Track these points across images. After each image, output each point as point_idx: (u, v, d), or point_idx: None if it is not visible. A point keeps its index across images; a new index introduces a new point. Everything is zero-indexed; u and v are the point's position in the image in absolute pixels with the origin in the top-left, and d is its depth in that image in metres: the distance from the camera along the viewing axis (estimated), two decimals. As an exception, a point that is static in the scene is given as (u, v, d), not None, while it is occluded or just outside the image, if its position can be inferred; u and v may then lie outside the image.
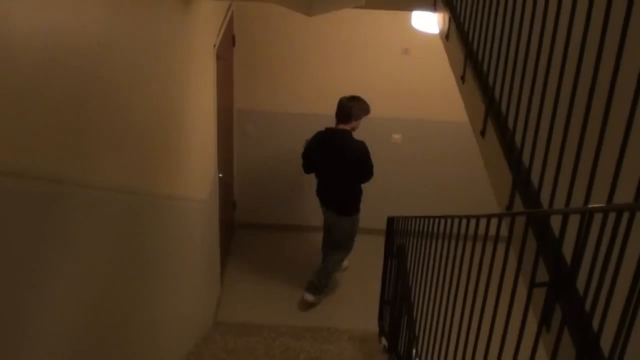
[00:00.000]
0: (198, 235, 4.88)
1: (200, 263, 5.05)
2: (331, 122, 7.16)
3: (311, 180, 7.52)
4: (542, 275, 2.05)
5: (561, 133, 2.09)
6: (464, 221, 3.36)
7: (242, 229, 7.72)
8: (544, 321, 2.05)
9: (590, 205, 1.81)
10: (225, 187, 6.59)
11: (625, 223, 1.52)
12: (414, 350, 4.70)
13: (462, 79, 3.68)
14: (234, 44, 6.78)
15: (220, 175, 5.87)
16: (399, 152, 7.49)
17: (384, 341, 5.76)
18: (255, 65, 7.01)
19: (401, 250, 5.44)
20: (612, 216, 1.60)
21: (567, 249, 1.97)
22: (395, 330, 5.30)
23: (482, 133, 3.12)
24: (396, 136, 7.41)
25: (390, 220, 5.73)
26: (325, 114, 7.17)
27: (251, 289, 6.81)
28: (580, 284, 1.84)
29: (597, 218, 1.70)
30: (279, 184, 7.62)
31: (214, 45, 5.20)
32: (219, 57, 5.42)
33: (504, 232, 2.47)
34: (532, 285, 1.99)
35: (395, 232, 5.71)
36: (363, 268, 7.20)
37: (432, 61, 6.91)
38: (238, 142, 7.34)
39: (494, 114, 2.95)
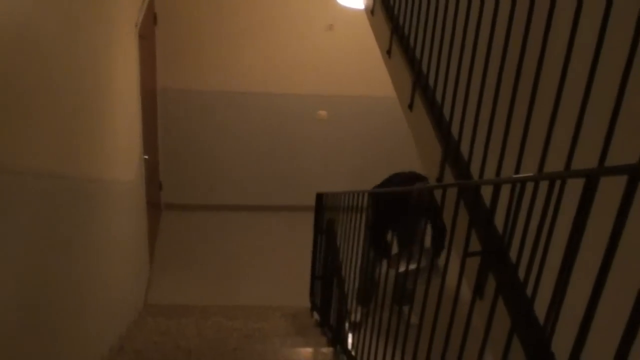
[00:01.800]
0: (125, 217, 4.79)
1: (128, 245, 4.97)
2: (259, 100, 7.14)
3: (237, 158, 7.48)
4: (475, 246, 2.09)
5: (490, 104, 2.11)
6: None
7: (170, 210, 7.62)
8: (477, 290, 2.09)
9: (520, 175, 1.84)
10: (151, 168, 6.48)
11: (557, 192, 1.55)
12: (346, 323, 4.74)
13: (388, 53, 3.69)
14: (155, 22, 6.64)
15: (146, 156, 5.78)
16: (325, 128, 7.50)
17: (316, 315, 5.79)
18: (178, 43, 6.89)
19: (330, 225, 5.46)
20: (543, 185, 1.63)
21: (499, 220, 2.00)
22: (326, 304, 5.34)
23: (410, 106, 3.14)
24: (322, 112, 7.42)
25: (319, 197, 5.74)
26: (251, 92, 7.13)
27: (181, 270, 6.74)
28: (514, 253, 1.87)
29: (529, 188, 1.73)
30: (206, 164, 7.54)
31: (136, 25, 5.09)
32: (141, 36, 5.31)
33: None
34: (465, 254, 2.02)
35: (324, 208, 5.73)
36: (293, 245, 7.21)
37: (356, 37, 6.93)
38: (162, 122, 7.22)
39: (421, 88, 2.97)
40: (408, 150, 7.29)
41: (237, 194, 7.71)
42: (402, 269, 4.81)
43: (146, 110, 5.80)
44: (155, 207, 6.94)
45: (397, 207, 5.30)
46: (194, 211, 7.66)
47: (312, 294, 6.02)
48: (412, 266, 4.62)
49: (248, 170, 7.61)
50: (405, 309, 5.60)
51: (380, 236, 5.38)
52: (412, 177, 5.52)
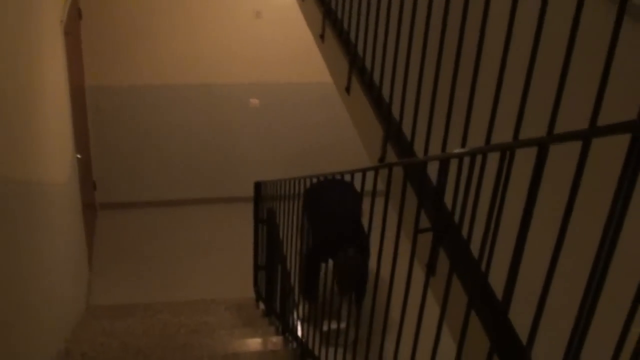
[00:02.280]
0: (60, 219, 4.67)
1: (66, 249, 4.85)
2: (190, 91, 7.06)
3: (171, 152, 7.39)
4: (425, 225, 2.09)
5: (431, 81, 2.12)
6: (338, 177, 3.38)
7: (105, 210, 7.47)
8: (430, 267, 2.10)
9: (466, 149, 1.85)
10: (84, 168, 6.34)
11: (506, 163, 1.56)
12: (294, 312, 4.74)
13: (321, 37, 3.67)
14: (80, 18, 6.48)
15: (79, 156, 5.64)
16: (259, 116, 7.45)
17: (262, 305, 5.77)
18: (104, 38, 6.74)
19: (270, 214, 5.44)
20: (492, 159, 1.64)
21: (448, 197, 2.01)
22: (271, 293, 5.32)
23: (347, 90, 3.13)
24: (254, 100, 7.36)
25: (257, 185, 5.71)
26: (181, 84, 7.04)
27: (121, 270, 6.62)
28: (465, 228, 1.88)
29: (478, 161, 1.73)
30: (140, 160, 7.41)
31: (61, 21, 4.95)
32: (66, 33, 5.17)
33: (380, 187, 2.49)
34: (417, 231, 2.02)
35: (263, 197, 5.69)
36: (233, 237, 7.16)
37: (285, 23, 6.90)
38: (93, 120, 7.05)
39: (358, 70, 2.96)
40: (343, 134, 7.34)
41: (173, 188, 7.61)
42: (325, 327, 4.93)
43: (76, 108, 5.66)
44: (90, 207, 6.80)
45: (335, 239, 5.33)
46: (130, 209, 7.53)
47: (256, 284, 5.99)
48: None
49: (183, 164, 7.52)
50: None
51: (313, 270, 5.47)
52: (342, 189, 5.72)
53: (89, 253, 6.39)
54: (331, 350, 3.73)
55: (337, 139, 7.59)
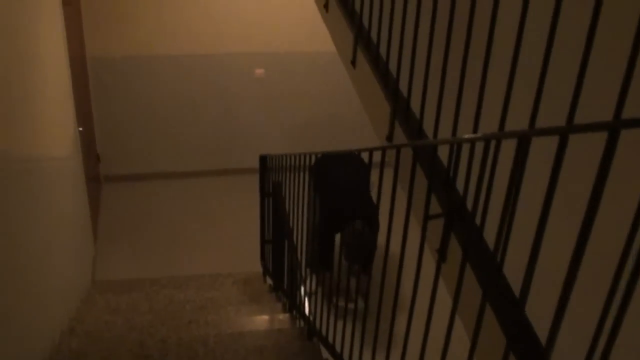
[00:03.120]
0: (64, 194, 4.59)
1: (70, 224, 4.77)
2: (193, 62, 6.95)
3: (175, 123, 7.28)
4: (436, 210, 1.99)
5: (441, 57, 2.00)
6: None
7: (110, 182, 7.38)
8: (440, 253, 2.00)
9: (479, 134, 1.74)
10: (87, 140, 6.24)
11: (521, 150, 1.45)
12: (301, 289, 4.66)
13: (325, 7, 3.54)
14: (79, -12, 6.35)
15: (81, 129, 5.54)
16: (264, 87, 7.32)
17: (269, 280, 5.69)
18: (104, 8, 6.59)
19: (276, 188, 5.34)
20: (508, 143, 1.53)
21: (460, 181, 1.91)
22: (278, 268, 5.24)
23: (353, 63, 3.01)
24: (259, 71, 7.23)
25: (263, 159, 5.59)
26: (184, 54, 6.91)
27: (127, 244, 6.55)
28: (478, 214, 1.78)
29: (492, 145, 1.62)
30: (144, 132, 7.30)
31: (58, -10, 4.83)
32: (65, 3, 5.04)
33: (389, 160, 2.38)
34: (426, 218, 1.91)
35: (269, 170, 5.59)
36: (239, 209, 7.08)
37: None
38: (95, 91, 6.94)
39: (363, 43, 2.84)
40: (350, 105, 7.22)
41: (178, 160, 7.52)
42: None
43: (77, 80, 5.55)
44: (94, 180, 6.72)
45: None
46: (135, 182, 7.45)
47: (263, 258, 5.91)
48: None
49: (188, 135, 7.41)
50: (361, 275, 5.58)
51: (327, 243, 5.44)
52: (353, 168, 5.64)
53: (94, 227, 6.32)
54: (339, 324, 3.63)
55: (344, 109, 7.46)
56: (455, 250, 1.86)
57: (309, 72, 7.30)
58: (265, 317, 4.46)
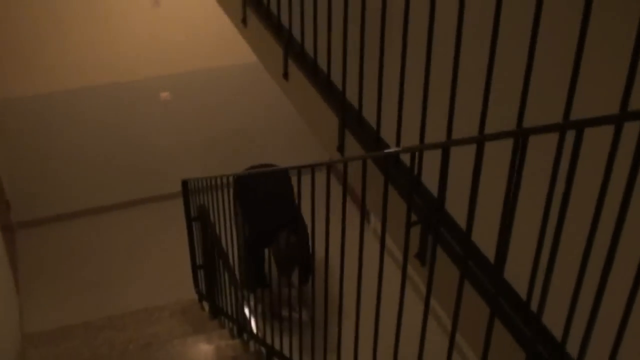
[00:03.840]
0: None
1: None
2: (97, 94, 6.73)
3: (89, 159, 7.02)
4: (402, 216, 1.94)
5: (399, 56, 1.96)
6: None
7: (24, 229, 7.03)
8: (419, 257, 1.97)
9: (482, 134, 1.71)
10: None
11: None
12: (245, 309, 4.56)
13: (243, 22, 3.45)
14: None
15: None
16: (172, 109, 7.14)
17: (206, 306, 5.56)
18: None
19: (202, 210, 5.23)
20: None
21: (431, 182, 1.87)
22: (215, 292, 5.15)
23: (285, 76, 2.94)
24: (164, 94, 7.05)
25: (184, 183, 5.44)
26: (87, 87, 6.68)
27: (51, 290, 6.25)
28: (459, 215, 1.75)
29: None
30: (55, 172, 6.98)
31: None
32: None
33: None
34: (409, 225, 1.87)
35: (192, 193, 5.45)
36: (164, 237, 6.89)
37: (186, 7, 6.61)
38: (-2, 136, 6.60)
39: (295, 55, 2.77)
40: (265, 113, 7.18)
41: (94, 195, 7.23)
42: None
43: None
44: (7, 229, 6.39)
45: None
46: (51, 224, 7.11)
47: (197, 284, 5.77)
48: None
49: (103, 169, 7.14)
50: (294, 277, 5.53)
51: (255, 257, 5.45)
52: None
53: (15, 278, 6.01)
54: (295, 340, 3.56)
55: (258, 118, 7.39)
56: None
57: (216, 87, 7.17)
58: (216, 345, 4.33)
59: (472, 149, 1.57)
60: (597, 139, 1.34)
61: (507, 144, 1.46)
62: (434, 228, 1.74)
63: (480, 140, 1.50)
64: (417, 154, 1.83)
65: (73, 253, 6.78)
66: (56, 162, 6.93)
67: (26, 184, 6.91)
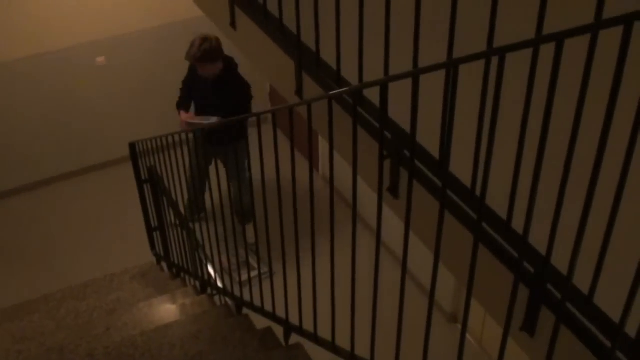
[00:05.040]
0: None
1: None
2: (30, 64, 6.57)
3: (28, 133, 6.86)
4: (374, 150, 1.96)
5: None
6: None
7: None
8: (391, 191, 2.00)
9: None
10: None
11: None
12: (209, 266, 4.57)
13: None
14: None
15: None
16: (109, 73, 7.00)
17: (166, 267, 5.55)
18: None
19: (152, 172, 5.18)
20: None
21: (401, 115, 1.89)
22: (171, 251, 5.16)
23: (233, 25, 2.91)
24: (100, 59, 6.89)
25: (132, 146, 5.36)
26: (18, 58, 6.51)
27: (7, 266, 6.15)
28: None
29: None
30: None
31: None
32: None
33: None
34: (382, 159, 1.89)
35: (140, 156, 5.38)
36: (113, 204, 6.82)
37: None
38: None
39: (244, 3, 2.74)
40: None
41: (37, 170, 7.08)
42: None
43: None
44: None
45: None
46: (-1, 199, 6.98)
47: (154, 247, 5.74)
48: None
49: (49, 140, 6.96)
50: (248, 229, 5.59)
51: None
52: None
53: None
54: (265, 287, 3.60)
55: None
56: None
57: (150, 49, 7.05)
58: (182, 303, 4.33)
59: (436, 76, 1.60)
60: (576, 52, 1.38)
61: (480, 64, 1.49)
62: (410, 160, 1.76)
63: (453, 64, 1.52)
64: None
65: (24, 227, 6.67)
66: (-1, 135, 6.77)
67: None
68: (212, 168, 4.66)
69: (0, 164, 6.90)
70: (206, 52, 5.31)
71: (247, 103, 5.73)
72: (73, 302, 4.93)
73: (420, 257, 2.90)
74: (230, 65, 5.61)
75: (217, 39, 5.36)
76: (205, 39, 5.32)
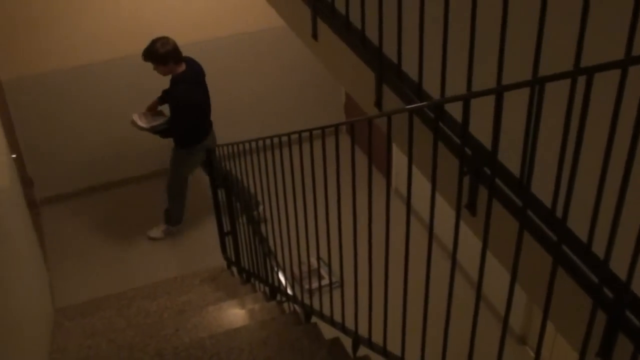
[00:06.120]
0: (11, 225, 4.36)
1: (22, 254, 4.54)
2: (109, 68, 6.73)
3: (106, 132, 7.03)
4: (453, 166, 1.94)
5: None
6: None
7: (47, 205, 7.07)
8: (469, 207, 1.97)
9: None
10: (19, 166, 5.97)
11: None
12: (280, 273, 4.59)
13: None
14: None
15: (14, 155, 5.29)
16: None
17: (236, 272, 5.61)
18: (7, 24, 6.24)
19: (226, 178, 5.26)
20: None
21: (482, 131, 1.87)
22: (246, 257, 5.19)
23: (315, 36, 2.93)
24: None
25: (209, 151, 5.46)
26: (98, 62, 6.66)
27: (79, 264, 6.30)
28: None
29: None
30: (72, 147, 7.00)
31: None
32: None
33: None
34: (462, 174, 1.87)
35: (218, 161, 5.47)
36: (187, 205, 6.93)
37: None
38: (16, 114, 6.60)
39: (326, 14, 2.76)
40: (281, 79, 7.17)
41: (114, 169, 7.25)
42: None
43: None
44: (32, 205, 6.43)
45: None
46: (73, 199, 7.14)
47: (225, 251, 5.81)
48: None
49: (121, 141, 7.13)
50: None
51: None
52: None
53: (44, 253, 6.07)
54: (335, 298, 3.60)
55: (287, 87, 7.40)
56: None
57: (231, 55, 7.15)
58: (251, 308, 4.37)
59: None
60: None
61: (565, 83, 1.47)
62: (491, 178, 1.74)
63: (539, 82, 1.50)
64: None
65: (97, 226, 6.83)
66: (75, 138, 6.96)
67: (46, 161, 6.94)
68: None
69: (85, 161, 7.08)
70: (145, 51, 5.64)
71: (177, 116, 5.88)
72: (143, 301, 5.03)
73: (492, 277, 2.86)
74: (176, 77, 5.80)
75: (168, 45, 5.60)
76: (156, 40, 5.62)
